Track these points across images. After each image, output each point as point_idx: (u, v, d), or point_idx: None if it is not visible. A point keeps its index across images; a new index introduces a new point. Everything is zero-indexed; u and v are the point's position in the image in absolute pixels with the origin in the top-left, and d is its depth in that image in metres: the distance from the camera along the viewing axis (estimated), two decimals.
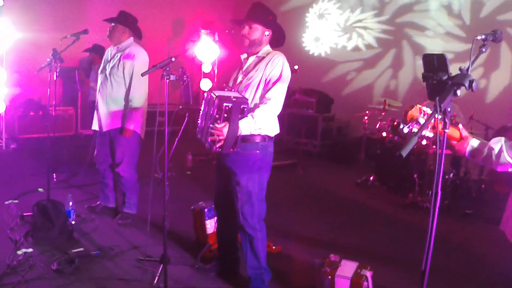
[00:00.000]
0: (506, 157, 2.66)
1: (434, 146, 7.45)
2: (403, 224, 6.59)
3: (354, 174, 8.78)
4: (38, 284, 4.22)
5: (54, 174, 7.25)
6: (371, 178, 8.32)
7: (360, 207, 7.31)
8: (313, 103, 10.57)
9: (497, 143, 2.70)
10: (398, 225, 6.55)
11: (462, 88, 2.35)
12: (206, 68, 10.80)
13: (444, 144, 2.39)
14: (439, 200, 2.36)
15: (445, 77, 2.43)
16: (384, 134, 8.40)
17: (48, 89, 5.67)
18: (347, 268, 4.14)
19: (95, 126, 5.87)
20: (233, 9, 13.49)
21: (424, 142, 7.43)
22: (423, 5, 10.04)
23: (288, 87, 4.05)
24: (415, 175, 7.52)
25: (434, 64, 2.51)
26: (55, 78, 5.86)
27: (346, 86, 11.36)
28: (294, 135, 10.79)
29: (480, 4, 9.22)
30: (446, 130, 2.35)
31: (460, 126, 2.82)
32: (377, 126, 8.50)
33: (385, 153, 8.24)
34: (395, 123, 8.14)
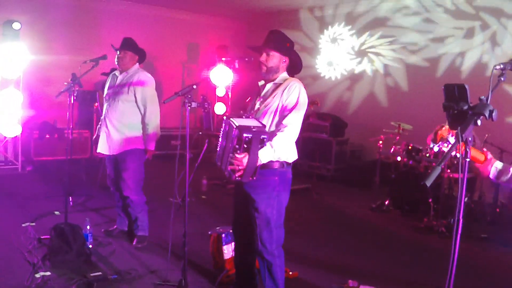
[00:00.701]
0: None
1: (448, 171, 7.45)
2: (418, 248, 6.56)
3: (369, 198, 8.77)
4: None
5: (70, 198, 7.29)
6: (386, 202, 8.30)
7: (375, 231, 7.28)
8: (327, 127, 10.59)
9: None
10: (414, 249, 6.52)
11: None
12: (220, 92, 10.88)
13: (465, 173, 2.43)
14: (460, 226, 2.40)
15: (465, 107, 2.48)
16: (398, 158, 8.41)
17: (68, 113, 5.72)
18: None
19: (101, 150, 5.91)
20: (246, 33, 13.64)
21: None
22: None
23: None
24: (430, 200, 7.49)
25: (455, 94, 2.56)
26: (72, 102, 5.93)
27: (360, 109, 11.38)
28: (308, 159, 10.80)
29: None
30: (468, 159, 2.40)
31: (485, 149, 2.93)
32: (392, 150, 8.51)
33: (400, 177, 8.23)
34: (410, 147, 8.16)
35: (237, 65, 7.70)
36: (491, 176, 2.90)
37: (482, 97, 2.46)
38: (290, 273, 5.18)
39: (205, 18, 13.07)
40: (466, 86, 2.53)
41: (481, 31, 9.34)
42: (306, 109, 4.09)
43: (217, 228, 5.29)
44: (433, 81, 9.85)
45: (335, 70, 12.02)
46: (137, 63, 5.92)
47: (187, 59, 12.94)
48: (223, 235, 5.12)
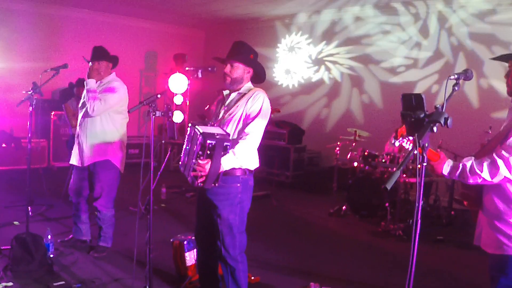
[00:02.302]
0: (476, 169, 3.10)
1: (404, 175, 7.66)
2: (376, 251, 6.72)
3: (327, 204, 8.92)
4: None
5: (29, 207, 7.20)
6: (344, 207, 8.47)
7: (334, 236, 7.43)
8: (285, 134, 10.73)
9: (469, 160, 3.17)
10: (372, 252, 6.68)
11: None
12: (178, 100, 10.91)
13: (423, 176, 2.60)
14: (419, 228, 2.57)
15: (422, 115, 2.66)
16: (355, 164, 8.58)
17: (28, 122, 5.69)
18: None
19: (73, 161, 5.88)
20: (204, 42, 13.70)
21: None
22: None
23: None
24: (387, 204, 7.69)
25: (412, 103, 2.73)
26: (30, 110, 5.89)
27: (317, 117, 11.56)
28: (267, 166, 10.92)
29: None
30: (424, 164, 2.59)
31: (439, 150, 3.21)
32: (348, 157, 8.68)
33: (357, 183, 8.41)
34: (366, 153, 8.34)
35: (200, 75, 7.74)
36: (444, 172, 3.19)
37: (438, 106, 2.64)
38: (252, 278, 5.26)
39: (163, 26, 13.10)
40: (423, 95, 2.72)
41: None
42: (269, 117, 4.20)
43: (179, 235, 5.34)
44: (389, 91, 10.13)
45: (292, 78, 12.18)
46: (113, 72, 5.92)
47: (145, 67, 12.94)
48: (185, 242, 5.18)
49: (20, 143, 9.79)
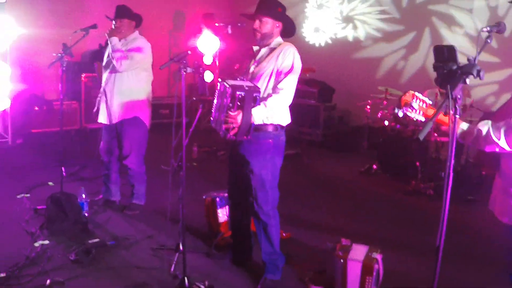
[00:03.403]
0: (493, 137, 2.89)
1: (435, 134, 7.56)
2: (407, 210, 6.71)
3: (358, 162, 8.87)
4: (57, 274, 4.33)
5: (63, 168, 7.32)
6: (374, 166, 8.43)
7: (365, 194, 7.43)
8: (315, 93, 10.61)
9: (485, 126, 2.93)
10: (403, 211, 6.67)
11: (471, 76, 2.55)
12: (208, 60, 10.88)
13: (455, 129, 2.54)
14: (451, 181, 2.51)
15: (454, 67, 2.59)
16: (386, 122, 8.50)
17: (59, 84, 5.75)
18: (359, 251, 4.25)
19: (101, 119, 5.93)
20: (233, 1, 13.54)
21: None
22: None
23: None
24: (417, 163, 7.61)
25: (444, 54, 2.66)
26: (61, 73, 5.94)
27: (347, 75, 11.42)
28: (297, 125, 10.85)
29: None
30: (457, 116, 2.52)
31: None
32: (379, 115, 8.60)
33: (387, 141, 8.35)
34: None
35: (230, 31, 7.69)
36: (457, 137, 2.97)
37: (470, 57, 2.57)
38: (284, 234, 5.29)
39: None
40: (455, 47, 2.64)
41: None
42: (300, 74, 4.17)
43: (211, 192, 5.38)
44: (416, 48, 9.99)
45: (322, 36, 12.02)
46: (137, 30, 5.92)
47: (173, 28, 12.87)
48: (218, 199, 5.22)
49: (52, 106, 9.88)
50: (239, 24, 7.43)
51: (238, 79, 4.11)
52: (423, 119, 2.94)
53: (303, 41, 12.20)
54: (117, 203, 6.14)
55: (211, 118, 4.23)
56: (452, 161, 2.51)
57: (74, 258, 4.61)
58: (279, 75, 4.04)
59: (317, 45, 12.06)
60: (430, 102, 2.98)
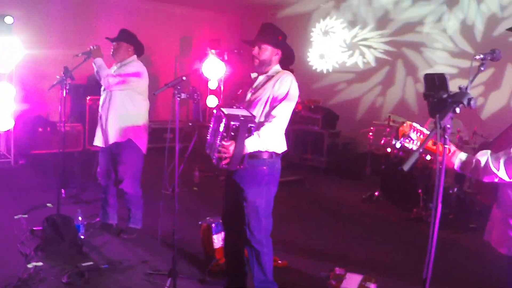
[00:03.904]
0: (492, 168, 2.82)
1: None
2: (408, 238, 6.64)
3: (360, 189, 8.85)
4: None
5: (62, 190, 7.33)
6: (376, 193, 8.39)
7: (366, 222, 7.38)
8: (319, 120, 10.64)
9: (484, 156, 2.87)
10: (403, 239, 6.60)
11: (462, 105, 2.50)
12: (213, 85, 10.93)
13: (444, 158, 2.50)
14: (439, 212, 2.47)
15: (445, 95, 2.55)
16: (389, 149, 8.47)
17: (59, 106, 5.78)
18: (352, 280, 4.21)
19: (97, 142, 5.95)
20: (240, 27, 13.66)
21: (428, 157, 7.49)
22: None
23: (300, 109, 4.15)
24: (420, 190, 7.56)
25: (435, 83, 2.63)
26: (64, 95, 5.98)
27: (352, 102, 11.44)
28: (300, 151, 10.88)
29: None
30: (446, 146, 2.47)
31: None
32: (382, 142, 8.57)
33: (390, 169, 8.32)
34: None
35: (226, 57, 7.73)
36: (455, 167, 2.94)
37: (461, 86, 2.53)
38: (280, 262, 5.26)
39: (198, 11, 13.08)
40: (446, 76, 2.61)
41: None
42: (303, 103, 4.16)
43: (207, 218, 5.36)
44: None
45: (327, 62, 12.07)
46: (135, 55, 5.93)
47: (180, 53, 12.96)
48: (213, 225, 5.19)
49: (56, 128, 9.93)
50: (235, 51, 7.45)
51: (234, 106, 4.11)
52: (420, 150, 2.91)
53: (308, 68, 12.29)
54: (114, 226, 6.11)
55: (207, 144, 4.22)
56: (441, 192, 2.48)
57: (67, 281, 4.57)
58: (274, 102, 4.02)
59: (323, 71, 12.10)
60: (428, 132, 2.96)
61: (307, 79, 12.20)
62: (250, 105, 4.13)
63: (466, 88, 2.53)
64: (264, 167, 4.07)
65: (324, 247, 6.10)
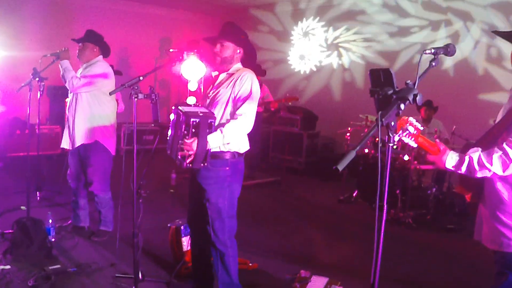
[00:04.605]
0: (485, 163, 2.92)
1: (415, 162, 7.53)
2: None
3: (338, 190, 8.82)
4: None
5: (37, 193, 7.29)
6: (354, 194, 8.39)
7: (341, 223, 7.37)
8: (298, 121, 10.65)
9: (475, 152, 2.97)
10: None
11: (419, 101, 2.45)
12: (192, 86, 10.88)
13: (389, 157, 2.50)
14: (385, 213, 2.46)
15: (390, 92, 2.51)
16: (366, 150, 8.47)
17: (28, 108, 5.77)
18: (317, 283, 4.21)
19: (64, 144, 5.93)
20: (218, 28, 13.61)
21: (406, 157, 7.52)
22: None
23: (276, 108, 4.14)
24: (398, 191, 7.56)
25: (381, 79, 2.59)
26: (39, 96, 5.97)
27: (330, 103, 11.46)
28: (278, 152, 10.87)
29: None
30: (390, 144, 2.45)
31: (437, 140, 3.05)
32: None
33: (367, 169, 8.31)
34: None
35: (185, 57, 7.66)
36: (448, 166, 3.00)
37: (408, 82, 2.47)
38: (250, 264, 5.24)
39: (178, 13, 13.07)
40: (391, 71, 2.54)
41: (445, 27, 9.49)
42: (284, 102, 4.14)
43: (177, 220, 5.33)
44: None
45: (306, 64, 12.08)
46: (101, 56, 5.89)
47: (160, 54, 12.94)
48: (182, 227, 5.15)
49: (34, 130, 9.86)
50: (195, 50, 7.40)
51: (192, 106, 4.10)
52: (415, 145, 2.95)
53: (289, 68, 12.29)
54: (86, 229, 6.08)
55: (167, 146, 4.20)
56: (386, 193, 2.48)
57: (33, 284, 4.54)
58: (237, 102, 4.01)
59: (302, 72, 12.12)
60: (422, 128, 3.00)
61: (287, 79, 12.24)
62: (211, 103, 4.12)
63: (414, 84, 2.49)
64: (227, 168, 4.06)
65: (297, 249, 6.08)
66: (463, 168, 2.99)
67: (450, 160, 3.02)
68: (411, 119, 2.93)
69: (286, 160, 10.77)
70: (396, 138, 2.87)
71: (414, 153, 7.52)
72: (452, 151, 3.04)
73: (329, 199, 8.58)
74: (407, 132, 2.89)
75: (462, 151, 3.12)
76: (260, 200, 8.24)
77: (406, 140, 2.92)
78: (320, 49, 11.81)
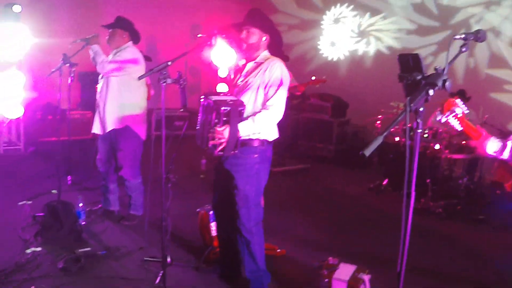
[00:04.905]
0: None
1: (447, 151, 7.42)
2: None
3: (368, 179, 8.75)
4: (43, 282, 4.34)
5: (68, 177, 7.37)
6: (384, 182, 8.31)
7: (370, 212, 7.31)
8: (328, 108, 10.55)
9: None
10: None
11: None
12: (223, 73, 10.87)
13: (417, 144, 2.46)
14: (412, 200, 2.42)
15: (419, 77, 2.46)
16: (397, 138, 8.37)
17: (58, 93, 5.82)
18: (345, 271, 4.16)
19: (95, 129, 5.98)
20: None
21: (437, 146, 7.42)
22: None
23: (303, 92, 4.11)
24: (428, 180, 7.46)
25: (410, 64, 2.55)
26: (69, 82, 6.03)
27: (361, 90, 11.33)
28: (308, 140, 10.79)
29: None
30: (419, 130, 2.42)
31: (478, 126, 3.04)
32: (391, 130, 8.45)
33: (398, 158, 8.21)
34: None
35: (214, 42, 7.58)
36: (490, 152, 2.98)
37: (437, 67, 2.44)
38: (278, 250, 5.24)
39: None
40: (421, 56, 2.52)
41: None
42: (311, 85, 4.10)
43: (206, 205, 5.33)
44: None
45: (337, 50, 11.97)
46: (130, 42, 5.91)
47: (190, 41, 12.92)
48: (211, 212, 5.16)
49: (65, 115, 9.98)
50: (223, 35, 7.35)
51: (221, 94, 4.10)
52: (460, 128, 2.93)
53: (319, 55, 12.19)
54: (116, 213, 6.15)
55: (196, 135, 4.19)
56: (414, 179, 2.44)
57: (62, 266, 4.60)
58: (268, 91, 3.99)
59: (333, 59, 12.01)
60: (467, 111, 2.97)
61: (317, 66, 12.14)
62: (240, 92, 4.11)
63: (443, 70, 2.44)
64: (255, 155, 4.06)
65: (325, 237, 6.07)
66: (506, 153, 2.95)
67: (492, 145, 3.02)
68: (458, 101, 2.89)
69: (315, 147, 10.69)
70: (443, 119, 2.87)
71: (445, 142, 7.42)
72: (493, 137, 3.01)
73: (359, 187, 8.52)
74: (454, 113, 2.86)
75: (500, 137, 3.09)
76: (289, 187, 8.22)
77: (452, 122, 2.90)
78: (351, 36, 11.68)
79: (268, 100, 3.99)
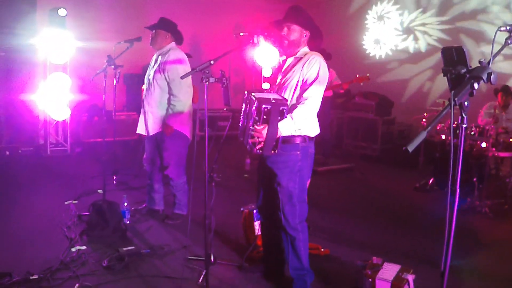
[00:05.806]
0: None
1: (493, 149, 7.24)
2: (457, 229, 6.40)
3: (414, 178, 8.63)
4: (87, 279, 4.37)
5: (114, 177, 7.46)
6: (430, 181, 8.16)
7: (416, 211, 7.18)
8: (373, 106, 10.45)
9: None
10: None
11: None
12: (266, 72, 10.88)
13: (462, 139, 2.38)
14: (457, 198, 2.34)
15: (463, 70, 2.38)
16: (443, 136, 8.23)
17: (103, 95, 5.90)
18: (389, 271, 4.10)
19: (140, 130, 6.03)
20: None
21: (484, 144, 7.25)
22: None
23: (347, 90, 4.07)
24: (475, 179, 7.30)
25: (454, 57, 2.46)
26: (114, 84, 6.10)
27: (407, 88, 11.18)
28: (353, 139, 10.71)
29: None
30: (464, 125, 2.34)
31: None
32: (437, 128, 8.33)
33: (444, 156, 8.07)
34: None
35: (256, 40, 7.55)
36: None
37: (482, 60, 2.36)
38: (322, 250, 5.20)
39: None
40: (465, 49, 2.43)
41: None
42: (354, 83, 4.06)
43: (250, 204, 5.33)
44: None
45: (381, 48, 11.83)
46: (173, 42, 5.93)
47: (233, 40, 12.95)
48: (255, 211, 5.15)
49: (111, 116, 10.12)
50: (265, 34, 7.33)
51: (265, 91, 4.08)
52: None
53: (363, 53, 12.08)
54: (160, 212, 6.19)
55: (239, 131, 4.17)
56: (459, 176, 2.36)
57: (107, 265, 4.65)
58: (304, 85, 3.96)
59: (377, 57, 11.88)
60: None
61: (362, 65, 12.02)
62: (280, 88, 4.10)
63: (488, 62, 2.35)
64: (297, 152, 4.02)
65: (369, 236, 5.99)
66: None
67: None
68: None
69: (360, 146, 10.61)
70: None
71: (492, 140, 7.24)
72: None
73: (404, 186, 8.38)
74: None
75: None
76: (335, 186, 8.17)
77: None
78: (395, 33, 11.53)
79: (303, 93, 3.95)
